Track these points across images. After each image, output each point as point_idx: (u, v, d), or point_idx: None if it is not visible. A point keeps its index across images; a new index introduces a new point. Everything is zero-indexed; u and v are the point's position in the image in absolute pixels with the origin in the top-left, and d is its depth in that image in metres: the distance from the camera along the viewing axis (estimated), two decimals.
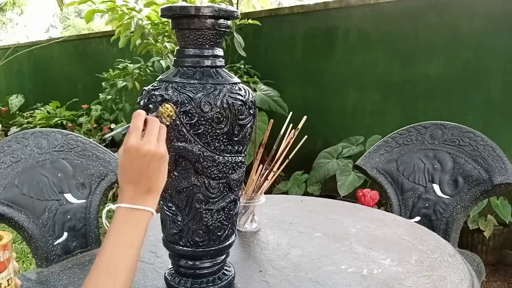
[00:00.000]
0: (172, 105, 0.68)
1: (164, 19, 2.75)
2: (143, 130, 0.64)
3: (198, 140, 0.70)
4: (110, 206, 0.66)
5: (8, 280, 0.60)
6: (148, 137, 0.63)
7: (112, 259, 0.60)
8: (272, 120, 1.08)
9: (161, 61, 2.76)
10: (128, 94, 3.26)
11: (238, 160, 0.76)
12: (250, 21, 2.83)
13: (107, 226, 0.64)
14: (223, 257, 0.82)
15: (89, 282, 0.59)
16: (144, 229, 0.63)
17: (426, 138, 1.56)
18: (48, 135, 1.39)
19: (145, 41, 2.70)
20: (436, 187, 1.48)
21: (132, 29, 2.61)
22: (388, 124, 2.65)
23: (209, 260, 0.79)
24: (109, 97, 3.41)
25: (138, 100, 0.75)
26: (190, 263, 0.79)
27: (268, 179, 1.09)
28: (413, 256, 0.94)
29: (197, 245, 0.76)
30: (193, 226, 0.75)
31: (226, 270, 0.84)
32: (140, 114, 0.64)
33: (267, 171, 1.08)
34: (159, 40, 2.79)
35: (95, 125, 4.47)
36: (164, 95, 0.69)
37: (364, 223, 1.15)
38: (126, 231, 0.62)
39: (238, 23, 2.85)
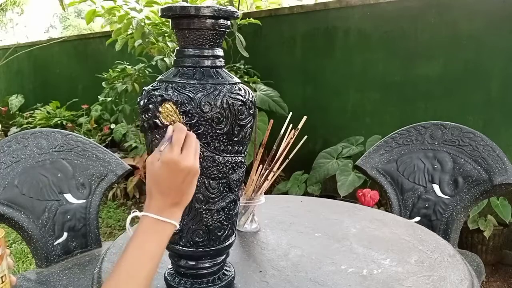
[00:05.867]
0: (172, 105, 0.68)
1: (164, 19, 2.76)
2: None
3: (198, 140, 0.70)
4: (136, 213, 0.66)
5: (2, 277, 0.59)
6: (187, 152, 0.63)
7: (134, 266, 0.60)
8: (272, 120, 1.08)
9: (165, 59, 2.76)
10: (128, 95, 3.27)
11: (238, 160, 0.76)
12: (251, 19, 2.83)
13: (129, 231, 0.65)
14: (223, 257, 0.82)
15: (109, 285, 0.59)
16: (166, 241, 0.64)
17: (426, 138, 1.56)
18: (48, 135, 1.39)
19: (146, 40, 2.70)
20: (436, 187, 1.48)
21: (133, 28, 2.61)
22: (388, 124, 2.65)
23: (209, 260, 0.79)
24: (109, 99, 3.41)
25: (138, 100, 0.75)
26: (190, 263, 0.79)
27: (268, 179, 1.09)
28: (413, 256, 0.94)
29: (197, 245, 0.76)
30: (193, 226, 0.75)
31: (226, 270, 0.84)
32: (183, 129, 0.65)
33: (267, 171, 1.08)
34: (159, 40, 2.79)
35: (95, 125, 4.48)
36: (164, 95, 0.69)
37: (364, 223, 1.15)
38: (150, 241, 0.62)
39: (238, 23, 2.86)
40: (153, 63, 2.97)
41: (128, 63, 3.36)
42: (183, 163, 0.62)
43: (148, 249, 0.62)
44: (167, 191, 0.63)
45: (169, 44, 2.78)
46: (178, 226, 0.65)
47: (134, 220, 0.67)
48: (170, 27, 2.75)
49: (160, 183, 0.64)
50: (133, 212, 0.67)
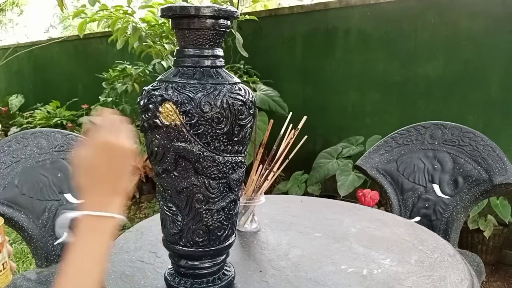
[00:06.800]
0: (172, 105, 0.68)
1: (160, 21, 2.76)
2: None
3: (198, 140, 0.70)
4: (67, 214, 0.59)
5: (3, 264, 0.59)
6: (121, 134, 0.59)
7: (79, 274, 0.54)
8: (272, 120, 1.08)
9: (162, 63, 2.76)
10: (127, 95, 3.27)
11: (238, 160, 0.76)
12: (247, 16, 2.83)
13: (67, 237, 0.59)
14: (223, 257, 0.82)
15: None
16: (110, 237, 0.58)
17: (426, 138, 1.56)
18: (48, 135, 1.39)
19: (144, 43, 2.71)
20: (436, 187, 1.48)
21: (129, 32, 2.62)
22: (388, 124, 2.65)
23: (209, 260, 0.79)
24: (109, 99, 3.41)
25: (138, 100, 0.75)
26: (190, 263, 0.79)
27: (268, 179, 1.09)
28: (413, 256, 0.94)
29: (197, 245, 0.76)
30: (193, 226, 0.75)
31: (226, 270, 0.84)
32: (107, 111, 0.61)
33: (267, 171, 1.08)
34: (157, 42, 2.80)
35: None
36: (164, 95, 0.69)
37: (364, 223, 1.15)
38: (92, 242, 0.56)
39: (236, 20, 2.86)
40: (151, 66, 2.98)
41: (128, 63, 3.36)
42: (121, 144, 0.58)
43: (92, 252, 0.56)
44: (98, 179, 0.57)
45: (166, 46, 2.78)
46: (122, 217, 0.59)
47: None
48: (167, 28, 2.76)
49: (88, 172, 0.58)
50: (62, 214, 0.62)
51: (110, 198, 0.58)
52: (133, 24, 2.60)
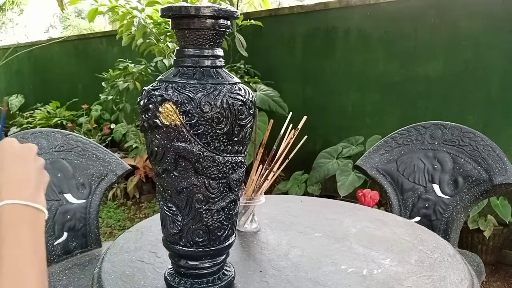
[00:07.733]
0: (172, 105, 0.68)
1: (166, 19, 2.77)
2: None
3: (198, 140, 0.70)
4: None
5: None
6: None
7: (17, 267, 0.49)
8: (272, 120, 1.08)
9: (164, 61, 2.76)
10: (128, 94, 3.27)
11: (238, 160, 0.76)
12: (252, 21, 2.84)
13: None
14: (223, 257, 0.82)
15: None
16: (41, 230, 0.54)
17: (426, 138, 1.56)
18: (48, 135, 1.39)
19: (147, 41, 2.70)
20: (436, 187, 1.48)
21: (134, 28, 2.61)
22: (388, 124, 2.66)
23: (209, 260, 0.79)
24: (110, 97, 3.41)
25: (138, 100, 0.75)
26: (190, 263, 0.79)
27: (268, 179, 1.09)
28: (413, 256, 0.94)
29: (197, 245, 0.76)
30: (193, 226, 0.75)
31: (226, 270, 0.84)
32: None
33: (267, 171, 1.08)
34: (161, 40, 2.80)
35: (95, 125, 4.48)
36: (164, 95, 0.69)
37: (364, 223, 1.15)
38: (26, 233, 0.52)
39: (240, 24, 2.86)
40: (153, 64, 2.97)
41: (130, 61, 3.36)
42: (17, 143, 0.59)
43: (26, 243, 0.51)
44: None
45: (170, 45, 2.78)
46: (46, 212, 0.56)
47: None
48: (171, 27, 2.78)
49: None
50: None
51: (33, 190, 0.56)
52: (139, 19, 2.59)
